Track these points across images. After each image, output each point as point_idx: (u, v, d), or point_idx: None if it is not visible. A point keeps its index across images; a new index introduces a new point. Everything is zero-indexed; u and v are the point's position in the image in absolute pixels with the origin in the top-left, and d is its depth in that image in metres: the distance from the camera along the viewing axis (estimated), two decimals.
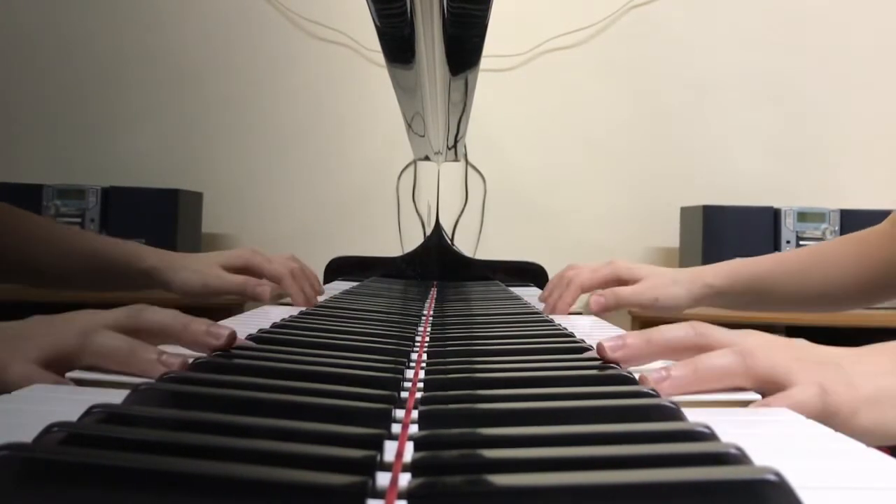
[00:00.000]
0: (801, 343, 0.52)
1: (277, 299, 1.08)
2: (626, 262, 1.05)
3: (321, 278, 1.48)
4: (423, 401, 0.40)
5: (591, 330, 0.82)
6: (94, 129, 2.47)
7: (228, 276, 1.02)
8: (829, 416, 0.45)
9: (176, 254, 1.05)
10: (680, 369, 0.47)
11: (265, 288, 1.00)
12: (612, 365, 0.51)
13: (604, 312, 1.00)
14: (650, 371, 0.47)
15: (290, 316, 0.74)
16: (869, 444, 0.41)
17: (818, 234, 2.12)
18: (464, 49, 0.72)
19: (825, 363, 0.48)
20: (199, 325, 0.53)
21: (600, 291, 1.01)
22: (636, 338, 0.52)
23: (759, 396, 0.47)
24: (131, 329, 0.51)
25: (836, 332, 1.50)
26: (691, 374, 0.47)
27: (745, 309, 1.08)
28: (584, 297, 1.12)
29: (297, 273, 1.03)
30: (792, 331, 1.74)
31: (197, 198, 2.34)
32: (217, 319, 0.63)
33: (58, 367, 0.49)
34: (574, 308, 1.06)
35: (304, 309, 0.83)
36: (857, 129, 2.45)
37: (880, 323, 1.93)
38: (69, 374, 0.49)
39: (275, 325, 0.66)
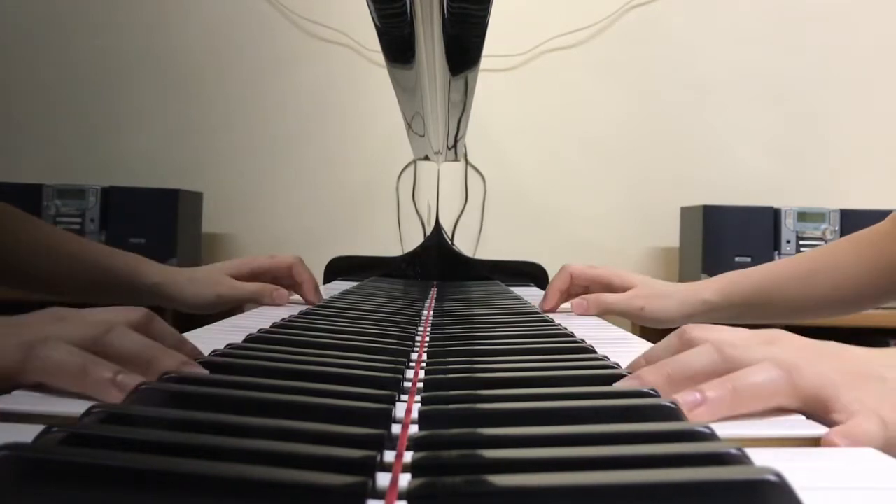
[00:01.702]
0: (834, 347, 0.47)
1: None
2: (624, 270, 1.04)
3: (321, 278, 1.48)
4: (423, 401, 0.40)
5: (591, 330, 0.82)
6: (94, 129, 2.47)
7: (242, 284, 1.00)
8: (889, 448, 0.39)
9: (179, 269, 1.03)
10: (716, 390, 0.42)
11: (282, 292, 0.99)
12: (612, 365, 0.51)
13: (584, 315, 0.99)
14: (683, 394, 0.42)
15: (290, 316, 0.74)
16: None
17: (818, 234, 2.12)
18: (464, 49, 0.72)
19: (868, 376, 0.44)
20: (165, 363, 0.45)
21: (586, 296, 1.01)
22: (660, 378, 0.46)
23: (800, 418, 0.43)
24: (93, 350, 0.44)
25: (836, 331, 1.50)
26: (729, 394, 0.42)
27: (745, 321, 1.06)
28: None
29: (304, 264, 1.04)
30: (791, 331, 1.74)
31: (197, 198, 2.34)
32: (217, 320, 0.63)
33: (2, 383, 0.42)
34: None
35: (304, 309, 0.83)
36: (857, 129, 2.45)
37: (880, 322, 1.93)
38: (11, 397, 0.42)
39: (275, 325, 0.66)
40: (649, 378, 0.45)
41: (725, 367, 0.44)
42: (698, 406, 0.41)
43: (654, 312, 0.98)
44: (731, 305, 0.99)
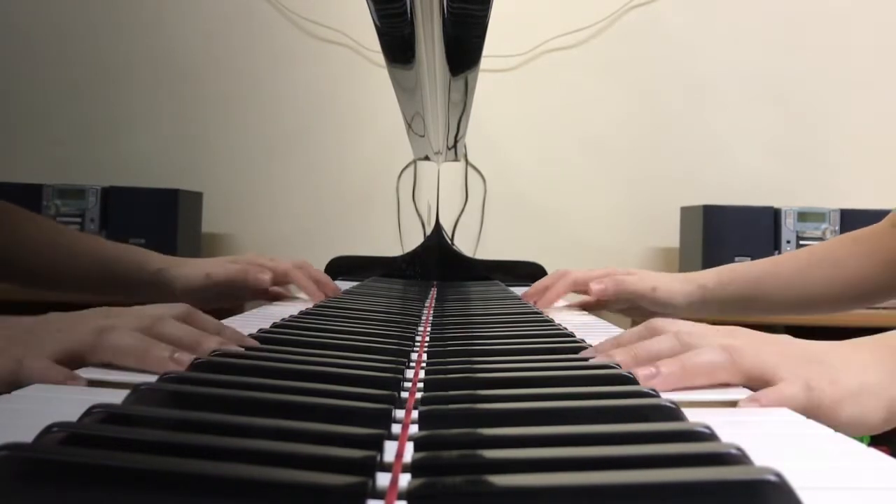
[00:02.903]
0: (786, 339, 0.53)
1: (282, 297, 1.08)
2: (625, 269, 1.06)
3: None
4: (423, 401, 0.40)
5: (591, 330, 0.82)
6: (94, 129, 2.47)
7: (230, 265, 1.02)
8: (812, 410, 0.47)
9: (183, 258, 1.05)
10: (668, 366, 0.49)
11: (266, 274, 1.01)
12: (611, 365, 0.51)
13: (603, 298, 1.00)
14: (641, 368, 0.49)
15: (290, 316, 0.74)
16: (849, 435, 0.45)
17: (818, 234, 2.12)
18: (464, 49, 0.72)
19: (810, 359, 0.50)
20: (209, 344, 0.53)
21: (602, 278, 1.02)
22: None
23: (745, 392, 0.48)
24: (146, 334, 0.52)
25: (835, 331, 1.50)
26: (679, 370, 0.49)
27: (743, 314, 1.08)
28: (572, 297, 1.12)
29: (303, 265, 1.04)
30: (791, 330, 1.73)
31: (197, 198, 2.34)
32: (218, 318, 0.63)
33: (71, 363, 0.49)
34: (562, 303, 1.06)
35: (304, 309, 0.83)
36: (857, 129, 2.45)
37: (880, 322, 1.92)
38: (83, 372, 0.49)
39: (275, 325, 0.66)
40: (618, 357, 0.52)
41: (682, 350, 0.51)
42: (653, 378, 0.48)
43: (664, 294, 1.02)
44: (728, 292, 1.01)
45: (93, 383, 0.47)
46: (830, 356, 0.51)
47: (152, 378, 0.43)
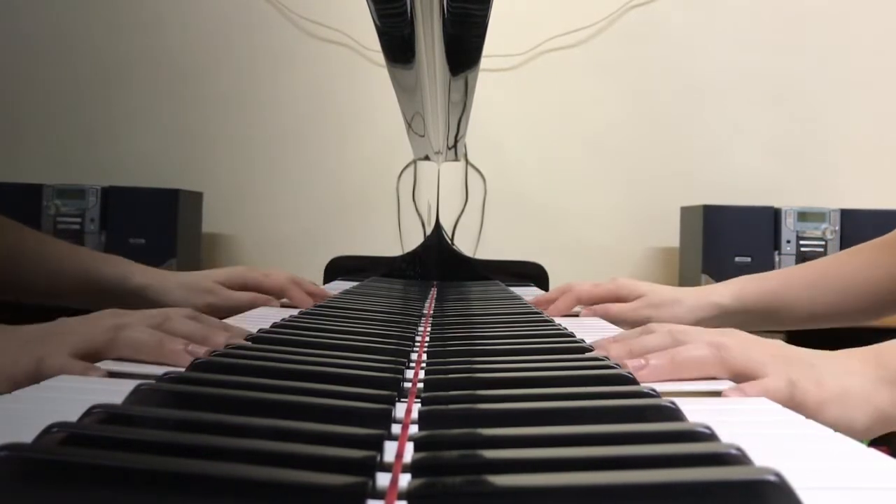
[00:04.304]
0: (778, 343, 0.56)
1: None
2: (632, 279, 1.03)
3: (321, 278, 1.48)
4: (423, 401, 0.40)
5: (591, 330, 0.82)
6: (94, 129, 2.47)
7: (235, 293, 1.00)
8: (796, 408, 0.48)
9: (167, 272, 1.03)
10: (658, 359, 0.52)
11: (274, 304, 1.00)
12: (612, 365, 0.51)
13: None
14: (631, 361, 0.52)
15: (290, 316, 0.74)
16: None
17: (818, 233, 2.12)
18: (464, 49, 0.72)
19: (798, 361, 0.53)
20: (218, 339, 0.56)
21: (593, 307, 1.00)
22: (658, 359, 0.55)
23: (731, 384, 0.51)
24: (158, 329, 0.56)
25: (836, 334, 1.49)
26: (668, 363, 0.52)
27: (756, 328, 1.04)
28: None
29: (298, 280, 1.03)
30: (793, 335, 1.73)
31: (197, 198, 2.34)
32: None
33: (88, 360, 0.52)
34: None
35: (303, 309, 0.83)
36: (857, 129, 2.45)
37: (882, 324, 1.92)
38: (102, 364, 0.52)
39: (275, 325, 0.66)
40: (613, 351, 0.55)
41: (674, 346, 0.54)
42: (642, 369, 0.51)
43: (661, 321, 0.97)
44: (743, 309, 0.97)
45: (112, 374, 0.50)
46: (819, 361, 0.53)
47: (169, 370, 0.45)
